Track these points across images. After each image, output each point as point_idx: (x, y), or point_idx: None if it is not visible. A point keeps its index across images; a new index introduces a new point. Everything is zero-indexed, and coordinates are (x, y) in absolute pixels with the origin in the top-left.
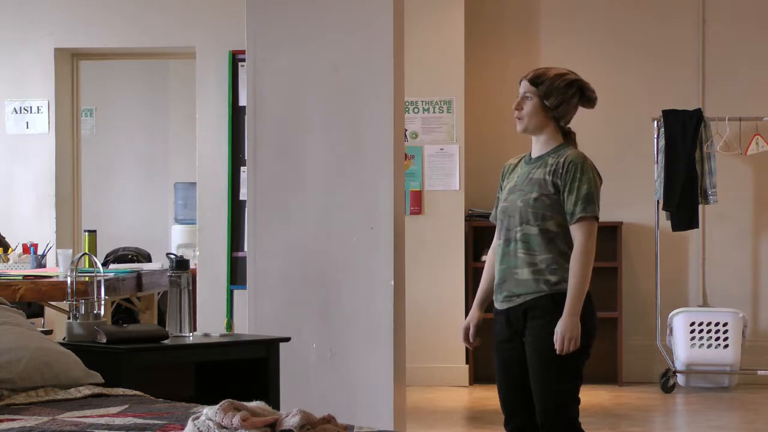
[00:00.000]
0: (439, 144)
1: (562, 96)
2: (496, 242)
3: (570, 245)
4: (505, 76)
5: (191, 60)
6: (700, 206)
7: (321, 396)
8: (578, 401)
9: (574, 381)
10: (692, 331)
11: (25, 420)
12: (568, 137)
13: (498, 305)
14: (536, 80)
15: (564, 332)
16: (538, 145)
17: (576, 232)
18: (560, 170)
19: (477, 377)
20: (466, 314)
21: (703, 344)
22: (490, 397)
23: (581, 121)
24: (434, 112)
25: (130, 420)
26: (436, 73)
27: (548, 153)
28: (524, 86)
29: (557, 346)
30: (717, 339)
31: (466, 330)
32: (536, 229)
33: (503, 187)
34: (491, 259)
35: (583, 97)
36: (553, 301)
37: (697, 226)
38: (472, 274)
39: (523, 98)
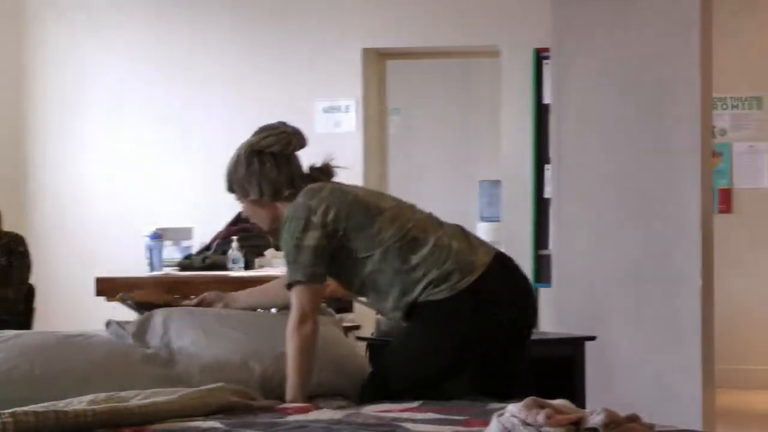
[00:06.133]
0: (749, 141)
1: (248, 181)
2: None
3: (390, 264)
4: None
5: (492, 58)
6: None
7: (627, 396)
8: (405, 388)
9: (409, 370)
10: None
11: (332, 412)
12: (300, 188)
13: None
14: (229, 188)
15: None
16: None
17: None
18: None
19: None
20: None
21: None
22: None
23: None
24: (744, 108)
25: (430, 415)
26: (746, 69)
27: None
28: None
29: None
30: None
31: None
32: (357, 286)
33: None
34: None
35: (264, 155)
36: (404, 315)
37: None
38: None
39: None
